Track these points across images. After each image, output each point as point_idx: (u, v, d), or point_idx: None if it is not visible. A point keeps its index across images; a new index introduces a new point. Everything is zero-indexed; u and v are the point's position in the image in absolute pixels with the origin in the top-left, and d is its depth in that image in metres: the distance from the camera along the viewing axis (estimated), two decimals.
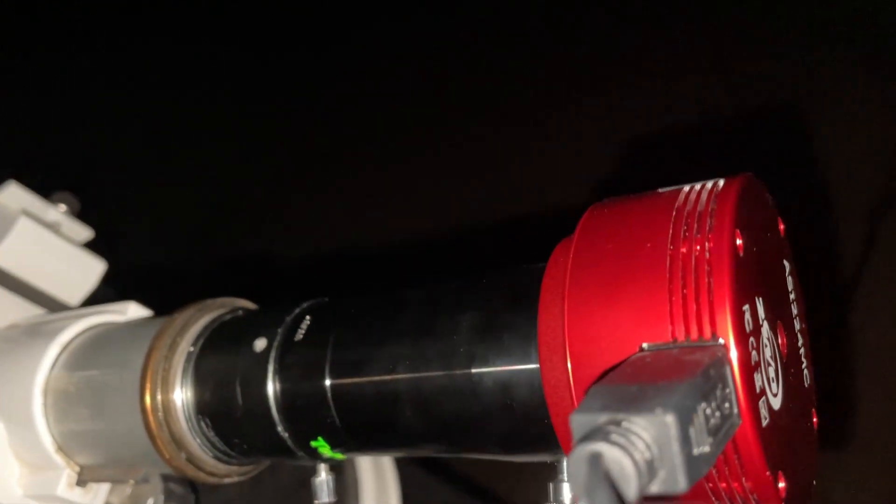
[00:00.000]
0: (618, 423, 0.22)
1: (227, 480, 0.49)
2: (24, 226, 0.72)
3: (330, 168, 1.96)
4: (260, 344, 0.44)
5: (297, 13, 2.14)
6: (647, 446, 0.21)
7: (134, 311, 0.60)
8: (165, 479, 0.65)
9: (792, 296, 0.38)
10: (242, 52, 2.17)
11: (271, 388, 0.43)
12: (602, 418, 0.22)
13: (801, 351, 0.37)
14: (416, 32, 2.06)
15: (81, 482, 0.54)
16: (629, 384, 0.25)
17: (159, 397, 0.46)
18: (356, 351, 0.41)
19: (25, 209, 0.75)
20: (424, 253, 1.66)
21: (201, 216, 1.97)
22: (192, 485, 0.67)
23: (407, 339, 0.39)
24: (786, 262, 0.37)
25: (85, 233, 0.80)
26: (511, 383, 0.35)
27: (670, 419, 0.21)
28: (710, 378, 0.25)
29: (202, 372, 0.46)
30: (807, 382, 0.37)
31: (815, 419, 0.37)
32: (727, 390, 0.26)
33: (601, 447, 0.20)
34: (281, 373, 0.43)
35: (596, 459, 0.20)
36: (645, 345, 0.29)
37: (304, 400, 0.42)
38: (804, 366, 0.38)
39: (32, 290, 0.73)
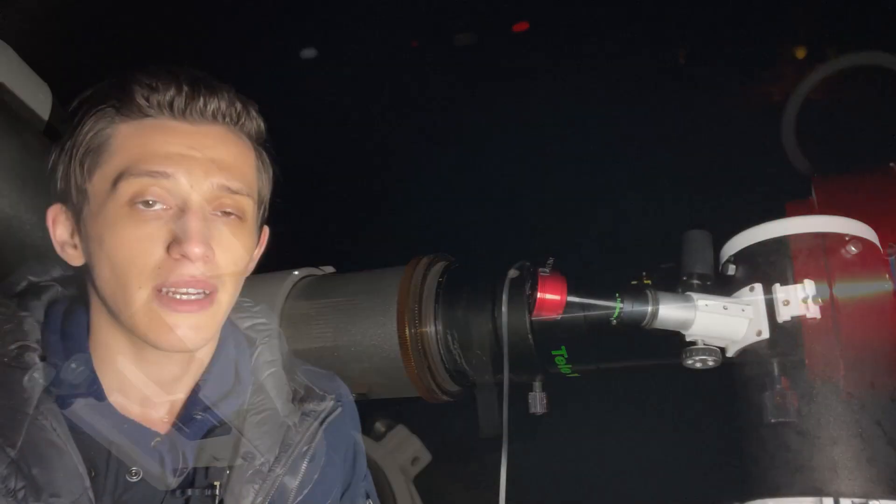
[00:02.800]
0: None
1: (443, 398, 0.59)
2: None
3: None
4: (513, 272, 0.56)
5: None
6: None
7: (330, 270, 0.70)
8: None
9: None
10: None
11: (528, 303, 0.54)
12: None
13: None
14: None
15: None
16: None
17: (416, 314, 0.56)
18: (600, 278, 0.53)
19: None
20: None
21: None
22: None
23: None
24: None
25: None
26: None
27: None
28: None
29: (454, 295, 0.57)
30: None
31: None
32: None
33: None
34: (536, 292, 0.54)
35: None
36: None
37: (557, 315, 0.53)
38: None
39: None
